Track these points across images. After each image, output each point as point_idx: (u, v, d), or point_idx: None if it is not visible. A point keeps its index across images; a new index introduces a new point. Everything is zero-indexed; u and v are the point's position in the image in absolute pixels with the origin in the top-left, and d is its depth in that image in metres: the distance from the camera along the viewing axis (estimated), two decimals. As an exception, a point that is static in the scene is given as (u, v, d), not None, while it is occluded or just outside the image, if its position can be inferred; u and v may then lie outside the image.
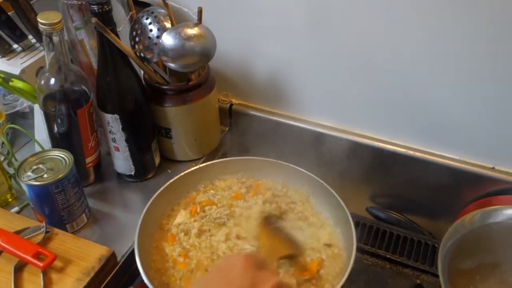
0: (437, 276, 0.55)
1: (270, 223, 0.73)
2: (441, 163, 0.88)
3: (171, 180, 0.77)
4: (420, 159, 0.90)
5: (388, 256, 0.80)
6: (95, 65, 0.83)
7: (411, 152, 0.90)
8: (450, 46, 0.76)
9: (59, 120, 0.78)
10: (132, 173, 0.87)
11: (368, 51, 0.83)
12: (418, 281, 0.76)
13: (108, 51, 0.75)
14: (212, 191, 0.81)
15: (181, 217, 0.75)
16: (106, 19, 0.72)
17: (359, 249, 0.79)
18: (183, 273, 0.68)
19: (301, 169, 0.79)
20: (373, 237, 0.83)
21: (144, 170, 0.88)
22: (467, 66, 0.77)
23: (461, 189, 0.89)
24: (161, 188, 0.75)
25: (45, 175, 0.72)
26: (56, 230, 0.74)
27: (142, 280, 0.63)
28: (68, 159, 0.75)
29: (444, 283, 0.53)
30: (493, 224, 0.61)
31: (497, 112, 0.80)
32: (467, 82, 0.79)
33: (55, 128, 0.79)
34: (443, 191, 0.90)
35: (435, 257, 0.79)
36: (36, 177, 0.72)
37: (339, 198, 0.73)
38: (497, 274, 0.62)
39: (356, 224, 0.81)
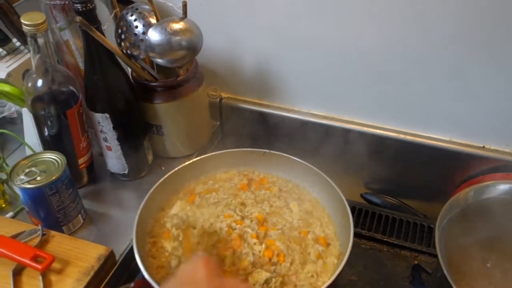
0: (435, 256, 0.56)
1: None
2: (432, 145, 0.89)
3: (166, 175, 0.77)
4: (411, 142, 0.91)
5: (385, 239, 0.81)
6: (81, 65, 0.83)
7: (401, 136, 0.91)
8: (435, 29, 0.77)
9: (49, 122, 0.78)
10: (126, 172, 0.86)
11: (355, 39, 0.84)
12: (416, 262, 0.77)
13: (94, 50, 0.75)
14: (211, 182, 0.81)
15: (177, 207, 0.75)
16: (90, 17, 0.71)
17: (356, 234, 0.80)
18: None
19: (295, 158, 0.79)
20: (370, 222, 0.84)
21: (137, 169, 0.88)
22: (453, 49, 0.78)
23: (453, 169, 0.90)
24: (155, 185, 0.75)
25: (39, 178, 0.72)
26: (52, 232, 0.74)
27: (143, 276, 0.63)
28: (61, 161, 0.74)
29: (442, 260, 0.54)
30: (486, 200, 0.62)
31: (484, 92, 0.81)
32: (453, 65, 0.80)
33: (46, 131, 0.79)
34: (435, 172, 0.92)
35: (431, 237, 0.80)
36: (30, 180, 0.71)
37: (333, 184, 0.73)
38: (494, 249, 0.63)
39: (352, 210, 0.81)
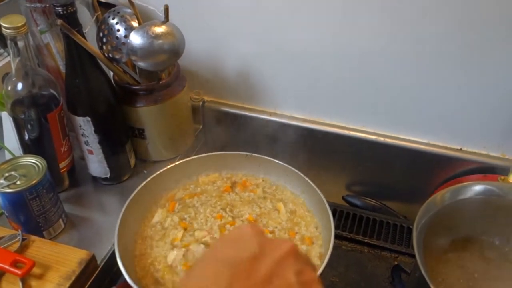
0: (413, 256, 0.57)
1: None
2: (411, 148, 0.91)
3: (148, 179, 0.76)
4: (390, 145, 0.92)
5: (366, 240, 0.82)
6: (62, 68, 0.82)
7: (381, 139, 0.93)
8: (415, 32, 0.79)
9: (29, 126, 0.77)
10: (108, 175, 0.86)
11: (335, 43, 0.85)
12: (396, 263, 0.78)
13: (76, 53, 0.74)
14: (192, 186, 0.81)
15: (158, 216, 0.75)
16: (71, 20, 0.71)
17: (337, 236, 0.81)
18: (164, 269, 0.69)
19: (277, 161, 0.80)
20: (350, 223, 0.85)
21: (120, 172, 0.88)
22: (430, 51, 0.80)
23: (431, 171, 0.92)
24: (138, 188, 0.75)
25: (18, 182, 0.71)
26: (33, 237, 0.73)
27: (125, 280, 0.63)
28: (41, 165, 0.74)
29: (420, 260, 0.55)
30: (462, 200, 0.63)
31: (461, 95, 0.83)
32: (430, 67, 0.82)
33: (26, 135, 0.78)
34: (415, 174, 0.93)
35: (411, 238, 0.82)
36: (9, 184, 0.70)
37: (314, 186, 0.74)
38: (470, 248, 0.64)
39: (333, 212, 0.83)
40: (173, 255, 0.69)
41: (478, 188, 0.63)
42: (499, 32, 0.74)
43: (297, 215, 0.76)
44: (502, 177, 0.79)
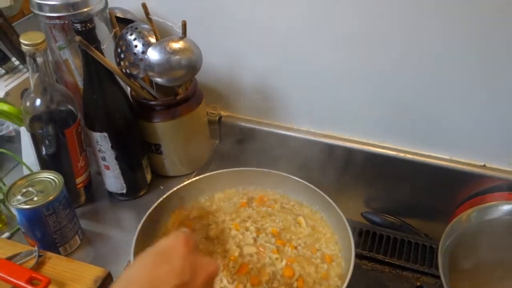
0: (437, 277, 0.55)
1: None
2: (432, 164, 0.89)
3: (165, 195, 0.76)
4: (411, 161, 0.90)
5: (386, 260, 0.80)
6: (80, 84, 0.83)
7: (401, 155, 0.91)
8: (435, 48, 0.77)
9: (46, 142, 0.77)
10: (124, 191, 0.85)
11: (354, 56, 0.84)
12: (418, 283, 0.76)
13: (93, 69, 0.75)
14: (208, 204, 0.80)
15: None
16: (89, 37, 0.71)
17: (357, 255, 0.79)
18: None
19: (295, 178, 0.78)
20: (370, 242, 0.83)
21: (136, 188, 0.87)
22: (453, 67, 0.78)
23: (453, 188, 0.89)
24: (154, 205, 0.74)
25: (35, 198, 0.71)
26: (49, 253, 0.73)
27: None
28: (58, 181, 0.73)
29: (445, 283, 0.53)
30: (489, 221, 0.61)
31: (484, 110, 0.81)
32: (453, 83, 0.80)
33: (43, 150, 0.78)
34: (436, 191, 0.91)
35: (433, 258, 0.79)
36: (26, 201, 0.70)
37: (334, 204, 0.73)
38: (497, 272, 0.62)
39: (353, 230, 0.80)
40: None
41: (506, 208, 0.61)
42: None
43: (317, 231, 0.74)
44: (530, 200, 0.76)
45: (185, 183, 0.79)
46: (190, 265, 0.46)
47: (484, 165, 0.87)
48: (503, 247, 0.61)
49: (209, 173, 0.81)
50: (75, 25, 0.71)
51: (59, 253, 0.75)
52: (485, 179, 0.86)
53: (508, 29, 0.72)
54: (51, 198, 0.71)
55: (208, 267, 0.49)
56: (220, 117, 1.01)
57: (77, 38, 0.70)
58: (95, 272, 0.70)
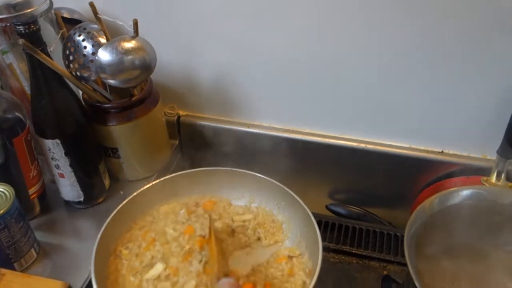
0: (403, 264, 0.55)
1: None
2: (392, 153, 0.90)
3: (124, 202, 0.73)
4: (371, 151, 0.91)
5: (353, 251, 0.80)
6: (27, 89, 0.78)
7: (362, 145, 0.91)
8: (387, 36, 0.78)
9: (-6, 152, 0.73)
10: (81, 199, 0.82)
11: (310, 49, 0.83)
12: (385, 272, 0.76)
13: (40, 73, 0.70)
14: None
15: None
16: (34, 39, 0.67)
17: (323, 248, 0.79)
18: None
19: (259, 175, 0.77)
20: (336, 234, 0.83)
21: (94, 195, 0.84)
22: (407, 55, 0.79)
23: (414, 175, 0.91)
24: (114, 212, 0.71)
25: (-16, 213, 0.67)
26: (2, 270, 0.69)
27: (104, 312, 0.59)
28: (9, 193, 0.69)
29: (412, 270, 0.53)
30: (451, 206, 0.62)
31: (441, 98, 0.82)
32: (407, 72, 0.81)
33: (-9, 161, 0.74)
34: (398, 179, 0.92)
35: (399, 246, 0.80)
36: (-26, 216, 0.66)
37: (299, 199, 0.72)
38: (463, 256, 0.63)
39: (319, 223, 0.80)
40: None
41: (466, 192, 0.62)
42: (480, 31, 0.73)
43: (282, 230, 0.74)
44: (485, 178, 0.78)
45: (145, 187, 0.76)
46: None
47: (442, 152, 0.89)
48: (467, 231, 0.62)
49: (171, 175, 0.78)
50: (18, 27, 0.66)
51: (14, 269, 0.71)
52: (444, 165, 0.88)
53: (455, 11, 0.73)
54: (1, 211, 0.67)
55: None
56: (179, 117, 0.98)
57: (21, 41, 0.66)
58: (54, 286, 0.67)
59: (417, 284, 0.51)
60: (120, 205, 0.72)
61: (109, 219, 0.70)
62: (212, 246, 0.66)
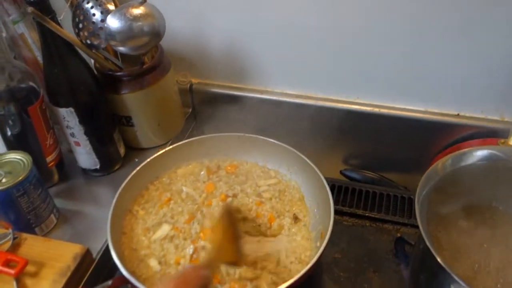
0: (417, 227, 0.54)
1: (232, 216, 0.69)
2: (408, 117, 0.89)
3: (138, 168, 0.74)
4: (386, 115, 0.90)
5: (366, 214, 0.80)
6: (40, 59, 0.79)
7: (376, 110, 0.90)
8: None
9: (10, 122, 0.74)
10: (97, 167, 0.83)
11: (324, 12, 0.82)
12: (398, 235, 0.76)
13: (52, 42, 0.71)
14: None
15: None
16: (43, 7, 0.68)
17: (337, 212, 0.79)
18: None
19: (271, 140, 0.78)
20: (350, 198, 0.83)
21: (110, 163, 0.85)
22: (423, 16, 0.77)
23: (429, 139, 0.90)
24: (127, 179, 0.72)
25: (4, 180, 0.69)
26: (24, 235, 0.71)
27: (121, 273, 0.61)
28: (26, 161, 0.71)
29: (424, 232, 0.53)
30: (464, 167, 0.61)
31: (456, 59, 0.80)
32: (423, 33, 0.79)
33: (8, 131, 0.75)
34: (412, 144, 0.91)
35: (413, 209, 0.80)
36: (-5, 183, 0.68)
37: (310, 163, 0.72)
38: (475, 216, 0.62)
39: (332, 188, 0.81)
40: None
41: (480, 153, 0.61)
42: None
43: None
44: (502, 140, 0.76)
45: (159, 153, 0.77)
46: None
47: (458, 114, 0.87)
48: (479, 191, 0.61)
49: (184, 141, 0.79)
50: (27, -5, 0.67)
51: (35, 233, 0.74)
52: (460, 128, 0.86)
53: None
54: (20, 178, 0.69)
55: None
56: (191, 85, 0.98)
57: (30, 9, 0.66)
58: (74, 249, 0.69)
59: (427, 242, 0.51)
60: (133, 172, 0.74)
61: (122, 186, 0.72)
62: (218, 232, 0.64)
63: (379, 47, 0.83)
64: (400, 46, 0.82)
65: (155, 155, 0.77)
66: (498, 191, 0.62)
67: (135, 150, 0.90)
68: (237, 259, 0.62)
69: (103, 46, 0.76)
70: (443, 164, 0.60)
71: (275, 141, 0.77)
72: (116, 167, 0.87)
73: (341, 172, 0.96)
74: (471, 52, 0.79)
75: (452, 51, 0.80)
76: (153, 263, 0.66)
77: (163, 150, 0.78)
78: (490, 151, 0.62)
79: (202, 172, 0.78)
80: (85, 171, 0.86)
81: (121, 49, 0.74)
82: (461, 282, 0.48)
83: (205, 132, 0.98)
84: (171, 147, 0.79)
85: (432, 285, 0.54)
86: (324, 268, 0.72)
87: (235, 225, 0.65)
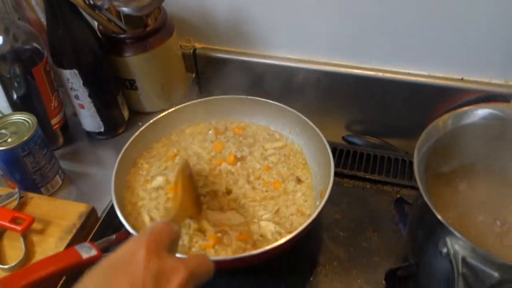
0: (416, 188, 0.55)
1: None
2: (410, 81, 0.88)
3: (141, 129, 0.75)
4: (389, 80, 0.89)
5: (367, 176, 0.81)
6: (44, 20, 0.79)
7: (380, 74, 0.90)
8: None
9: (15, 83, 0.75)
10: (102, 130, 0.84)
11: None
12: (398, 196, 0.77)
13: (55, 3, 0.71)
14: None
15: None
16: (45, -34, 0.68)
17: (338, 174, 0.80)
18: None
19: (274, 102, 0.78)
20: (351, 161, 0.83)
21: (114, 126, 0.86)
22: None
23: (433, 104, 0.89)
24: (131, 139, 0.74)
25: (9, 140, 0.70)
26: (31, 194, 0.73)
27: (126, 229, 0.63)
28: (31, 121, 0.72)
29: (421, 186, 0.53)
30: (466, 126, 0.61)
31: (460, 22, 0.79)
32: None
33: (13, 93, 0.76)
34: (416, 109, 0.91)
35: (413, 171, 0.80)
36: (1, 142, 0.69)
37: (311, 123, 0.73)
38: (474, 174, 0.62)
39: (333, 151, 0.81)
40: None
41: (481, 112, 0.60)
42: None
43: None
44: (506, 105, 0.76)
45: (167, 111, 0.78)
46: (153, 275, 0.40)
47: (462, 79, 0.86)
48: (479, 150, 0.61)
49: (185, 104, 0.80)
50: (28, -46, 0.67)
51: (41, 193, 0.76)
52: (464, 92, 0.86)
53: None
54: (25, 138, 0.70)
55: (179, 274, 0.41)
56: (195, 49, 0.98)
57: (31, -33, 0.66)
58: (79, 208, 0.71)
59: (424, 197, 0.52)
60: (136, 133, 0.75)
61: (125, 147, 0.73)
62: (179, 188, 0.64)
63: (382, 11, 0.82)
64: (404, 9, 0.81)
65: (163, 113, 0.78)
66: (498, 150, 0.62)
67: (139, 114, 0.91)
68: (197, 212, 0.66)
69: (106, 6, 0.76)
70: (444, 122, 0.61)
71: (277, 103, 0.78)
72: (120, 131, 0.88)
73: (343, 138, 0.97)
74: (476, 15, 0.78)
75: (455, 13, 0.78)
76: (145, 216, 0.68)
77: (172, 109, 0.79)
78: (491, 110, 0.61)
79: (210, 132, 0.79)
80: (89, 134, 0.87)
81: (124, 9, 0.74)
82: (457, 234, 0.48)
83: (208, 96, 0.99)
84: (178, 106, 0.79)
85: (429, 240, 0.55)
86: (324, 227, 0.73)
87: (192, 179, 0.68)
